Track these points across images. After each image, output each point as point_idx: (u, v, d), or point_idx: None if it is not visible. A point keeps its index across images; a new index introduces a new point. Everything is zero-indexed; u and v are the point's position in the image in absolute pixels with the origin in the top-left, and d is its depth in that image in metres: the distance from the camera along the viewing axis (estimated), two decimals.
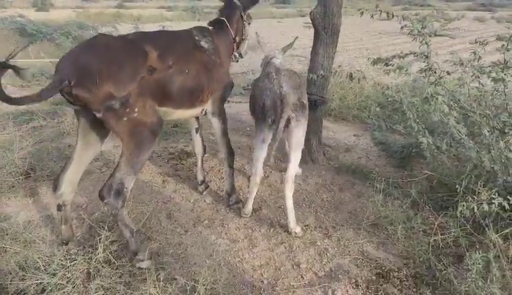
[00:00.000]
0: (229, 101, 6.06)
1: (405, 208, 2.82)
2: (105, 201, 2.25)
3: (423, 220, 2.72)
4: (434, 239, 2.48)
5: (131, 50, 2.25)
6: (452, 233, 2.48)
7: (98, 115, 2.08)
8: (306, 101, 2.77)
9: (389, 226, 2.75)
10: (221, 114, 2.95)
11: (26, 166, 3.44)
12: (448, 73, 3.08)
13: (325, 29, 3.56)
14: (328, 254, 2.58)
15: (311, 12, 3.62)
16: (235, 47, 3.19)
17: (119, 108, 2.07)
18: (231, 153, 3.08)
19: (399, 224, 2.69)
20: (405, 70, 2.88)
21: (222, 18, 3.10)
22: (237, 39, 3.19)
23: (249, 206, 2.95)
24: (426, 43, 3.18)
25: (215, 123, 2.95)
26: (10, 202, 3.09)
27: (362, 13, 3.69)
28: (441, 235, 2.49)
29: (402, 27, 3.23)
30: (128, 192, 2.31)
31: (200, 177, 3.32)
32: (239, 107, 5.38)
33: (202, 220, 2.93)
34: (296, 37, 3.55)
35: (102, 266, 2.27)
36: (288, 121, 2.58)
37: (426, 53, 3.13)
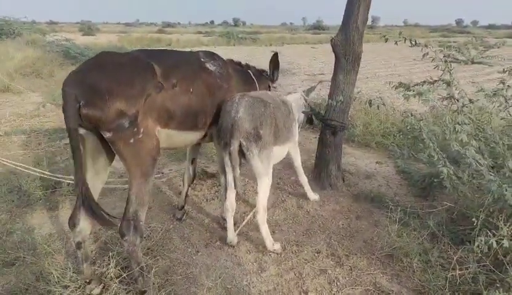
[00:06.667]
0: None
1: (423, 239, 2.70)
2: (125, 238, 2.16)
3: (440, 254, 2.59)
4: (452, 275, 2.36)
5: (138, 66, 2.19)
6: (471, 269, 2.35)
7: (108, 135, 2.00)
8: (263, 132, 2.62)
9: (404, 258, 2.64)
10: None
11: (53, 181, 3.61)
12: (471, 101, 3.00)
13: (345, 57, 3.57)
14: (338, 284, 2.51)
15: (331, 39, 3.65)
16: None
17: (128, 127, 2.01)
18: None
19: (415, 256, 2.58)
20: (425, 97, 2.82)
21: (249, 71, 3.27)
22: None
23: (230, 235, 2.86)
24: (449, 71, 3.14)
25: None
26: (35, 214, 3.24)
27: (386, 40, 3.70)
28: (460, 270, 2.37)
29: (423, 55, 3.21)
30: (143, 226, 2.25)
31: (181, 203, 3.32)
32: None
33: (214, 241, 2.94)
34: (320, 82, 3.59)
35: (113, 281, 2.32)
36: (242, 150, 2.58)
37: (448, 81, 3.08)
